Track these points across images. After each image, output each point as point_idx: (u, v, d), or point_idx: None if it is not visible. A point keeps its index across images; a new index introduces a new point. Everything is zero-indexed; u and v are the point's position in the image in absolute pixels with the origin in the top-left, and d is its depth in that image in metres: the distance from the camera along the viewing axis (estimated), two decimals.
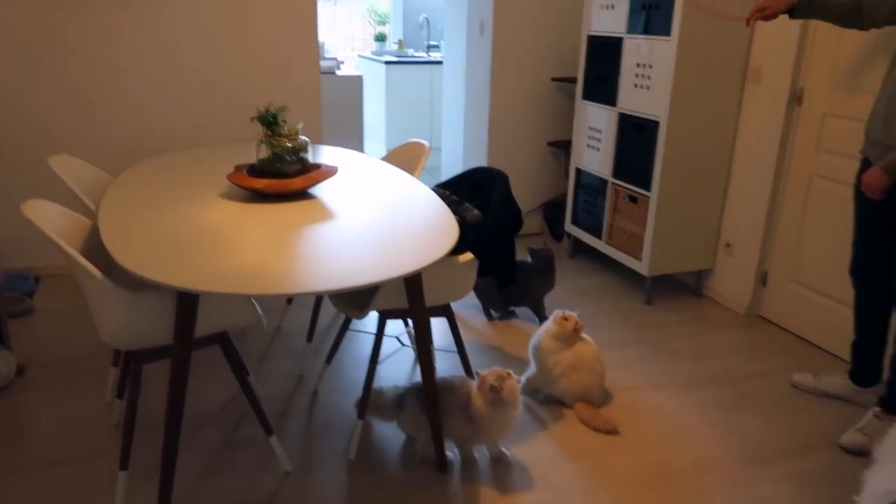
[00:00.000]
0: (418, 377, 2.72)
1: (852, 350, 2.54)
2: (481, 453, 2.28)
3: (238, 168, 2.45)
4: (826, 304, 2.99)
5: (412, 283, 2.00)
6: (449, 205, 2.33)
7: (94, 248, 2.11)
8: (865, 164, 2.32)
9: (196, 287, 1.63)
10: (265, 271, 1.71)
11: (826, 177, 2.92)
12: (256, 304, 2.10)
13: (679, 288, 3.70)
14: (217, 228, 1.99)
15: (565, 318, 2.48)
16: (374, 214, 2.16)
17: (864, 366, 2.52)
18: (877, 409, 2.36)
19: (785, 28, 3.01)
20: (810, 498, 2.12)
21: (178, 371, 1.83)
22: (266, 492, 2.08)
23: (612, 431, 2.41)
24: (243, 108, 3.73)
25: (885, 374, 2.41)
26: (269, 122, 2.38)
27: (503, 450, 2.26)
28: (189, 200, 2.24)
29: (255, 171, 2.39)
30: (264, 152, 2.39)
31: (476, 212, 2.27)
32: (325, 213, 2.16)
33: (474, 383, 2.18)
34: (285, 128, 2.41)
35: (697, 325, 3.26)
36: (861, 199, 2.35)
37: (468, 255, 2.20)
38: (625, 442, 2.37)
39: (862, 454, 2.30)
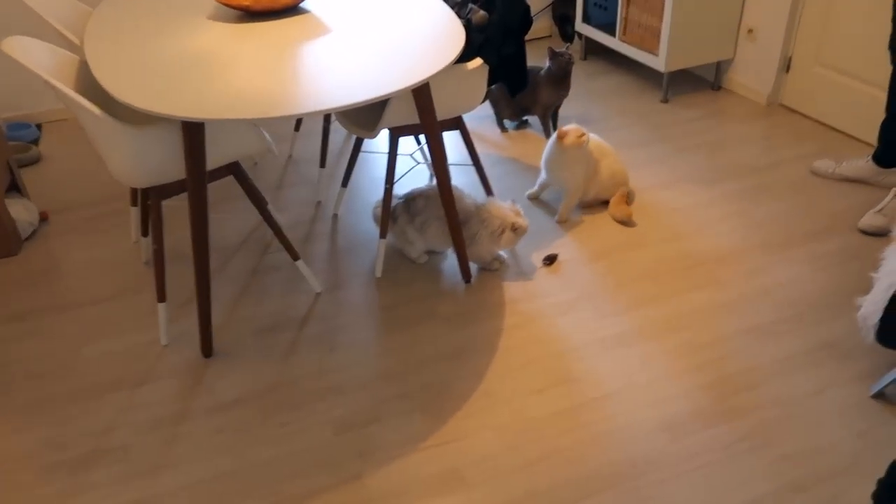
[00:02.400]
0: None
1: (881, 129, 2.46)
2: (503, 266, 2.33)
3: None
4: (853, 87, 2.86)
5: (421, 94, 1.92)
6: (451, 7, 2.17)
7: (88, 85, 2.02)
8: None
9: (200, 115, 1.57)
10: (268, 94, 1.64)
11: None
12: (265, 132, 2.04)
13: (697, 83, 3.55)
14: (211, 53, 1.88)
15: (562, 136, 2.39)
16: (372, 24, 2.02)
17: (890, 145, 2.46)
18: None
19: None
20: (829, 278, 2.17)
21: (197, 204, 1.83)
22: (300, 311, 2.17)
23: (628, 222, 2.47)
24: None
25: None
26: None
27: (501, 253, 2.33)
28: (176, 25, 2.11)
29: None
30: None
31: (482, 12, 2.11)
32: (320, 28, 2.03)
33: (482, 200, 2.21)
34: None
35: (716, 119, 3.16)
36: None
37: (477, 61, 2.09)
38: (645, 238, 2.40)
39: (881, 235, 2.32)
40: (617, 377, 1.87)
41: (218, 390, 1.90)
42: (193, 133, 1.73)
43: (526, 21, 2.17)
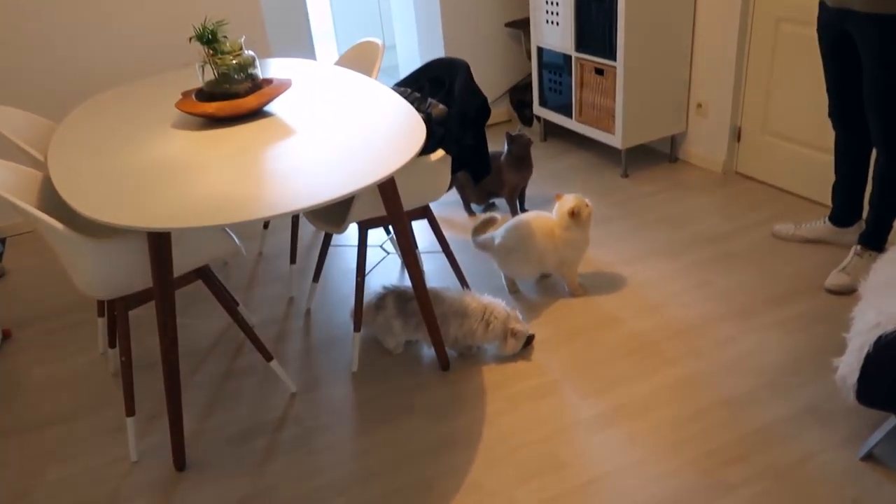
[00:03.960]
0: (406, 282, 2.72)
1: (833, 191, 2.55)
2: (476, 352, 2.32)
3: (185, 94, 2.32)
4: (801, 152, 2.98)
5: (386, 189, 1.94)
6: (411, 102, 2.23)
7: (52, 201, 2.01)
8: (822, 8, 2.24)
9: (165, 225, 1.56)
10: (234, 198, 1.64)
11: (793, 19, 2.83)
12: (232, 234, 2.04)
13: (654, 156, 3.67)
14: (175, 161, 1.90)
15: (574, 214, 2.40)
16: (336, 124, 2.07)
17: (844, 206, 2.55)
18: (858, 247, 2.41)
19: None
20: (800, 341, 2.19)
21: (165, 314, 1.80)
22: (275, 414, 2.11)
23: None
24: (180, 29, 3.50)
25: (866, 212, 2.44)
26: (209, 39, 2.22)
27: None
28: (140, 136, 2.13)
29: (204, 95, 2.26)
30: (210, 74, 2.26)
31: (441, 106, 2.18)
32: (284, 130, 2.07)
33: (480, 298, 2.26)
34: (227, 44, 2.26)
35: (676, 192, 3.26)
36: (823, 43, 2.29)
37: (439, 153, 2.14)
38: (615, 315, 2.41)
39: (847, 293, 2.37)
40: (604, 460, 1.83)
41: None
42: (159, 242, 1.72)
43: (484, 111, 2.24)
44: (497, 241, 2.49)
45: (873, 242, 2.38)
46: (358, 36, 6.08)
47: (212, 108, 2.17)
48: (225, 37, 2.25)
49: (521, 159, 2.99)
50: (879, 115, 2.16)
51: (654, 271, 2.65)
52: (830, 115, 2.41)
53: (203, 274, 2.03)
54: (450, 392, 2.13)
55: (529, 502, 1.73)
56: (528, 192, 3.30)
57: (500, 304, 2.24)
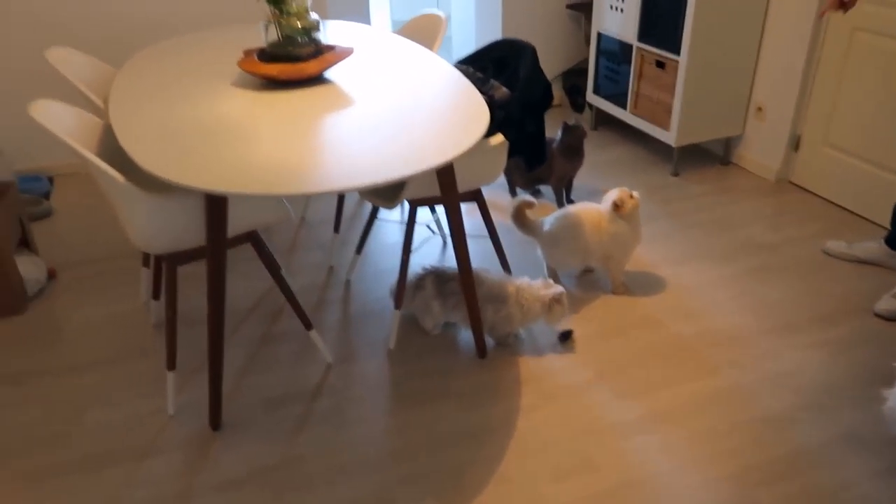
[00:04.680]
0: (448, 263, 2.71)
1: (893, 213, 2.48)
2: (519, 339, 2.31)
3: (247, 53, 2.31)
4: (862, 168, 2.89)
5: (444, 171, 1.92)
6: (474, 83, 2.20)
7: (110, 149, 2.02)
8: None
9: (225, 189, 1.56)
10: (294, 167, 1.63)
11: (870, 30, 2.73)
12: (285, 200, 2.04)
13: (706, 157, 3.59)
14: (235, 121, 1.89)
15: (618, 206, 2.37)
16: (396, 98, 2.05)
17: None
18: None
19: None
20: (844, 364, 2.15)
21: (215, 274, 1.81)
22: (310, 383, 2.13)
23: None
24: None
25: None
26: (276, 0, 2.20)
27: (521, 331, 2.30)
28: (201, 91, 2.12)
29: (267, 55, 2.24)
30: (273, 34, 2.24)
31: (504, 89, 2.14)
32: (344, 99, 2.05)
33: (510, 276, 2.20)
34: (294, 5, 2.23)
35: (726, 195, 3.19)
36: None
37: (499, 137, 2.11)
38: (658, 316, 2.39)
39: None
40: (637, 465, 1.82)
41: (224, 466, 1.84)
42: (217, 205, 1.73)
43: (547, 98, 2.20)
44: (545, 228, 2.47)
45: None
46: (412, 5, 6.00)
47: (274, 70, 2.15)
48: None
49: (573, 150, 2.94)
50: None
51: (698, 275, 2.60)
52: None
53: (253, 238, 2.03)
54: (485, 380, 2.13)
55: (558, 501, 1.73)
56: (575, 182, 3.26)
57: (529, 282, 2.21)
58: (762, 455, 1.84)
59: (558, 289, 2.17)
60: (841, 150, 2.98)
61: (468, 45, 4.50)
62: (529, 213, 2.48)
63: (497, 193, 3.24)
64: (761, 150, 3.34)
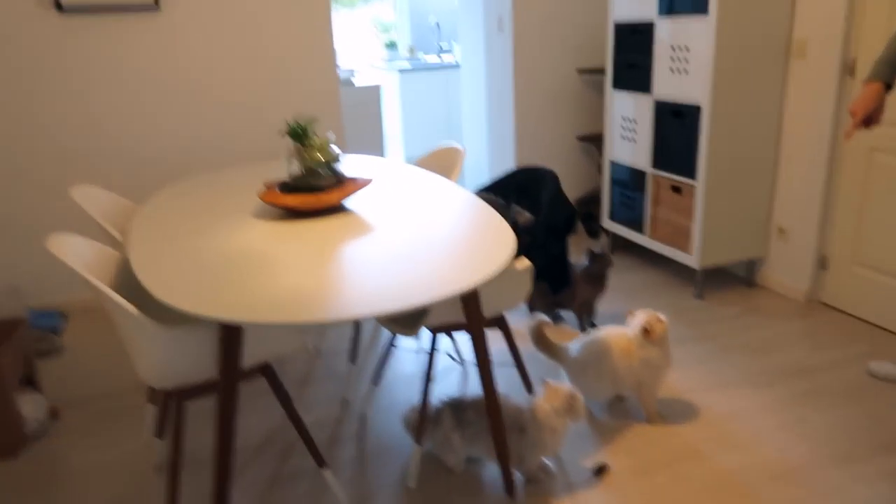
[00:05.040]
0: (469, 393, 2.56)
1: None
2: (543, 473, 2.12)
3: (269, 186, 2.32)
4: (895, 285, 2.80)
5: (469, 297, 1.85)
6: (496, 209, 2.18)
7: (124, 282, 1.98)
8: None
9: (241, 318, 1.49)
10: (312, 296, 1.57)
11: (887, 150, 2.74)
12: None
13: (729, 279, 3.52)
14: (254, 251, 1.85)
15: (648, 331, 2.27)
16: (418, 225, 2.02)
17: None
18: None
19: None
20: None
21: (226, 409, 1.70)
22: None
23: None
24: (264, 123, 3.61)
25: None
26: (300, 134, 2.24)
27: (546, 462, 2.11)
28: (221, 223, 2.11)
29: (288, 187, 2.26)
30: (296, 167, 2.26)
31: (527, 214, 2.12)
32: (364, 228, 2.02)
33: (527, 398, 2.05)
34: (316, 139, 2.27)
35: (755, 317, 3.08)
36: None
37: (525, 262, 2.05)
38: (700, 448, 2.20)
39: None
40: None
41: None
42: (232, 335, 1.65)
43: (571, 223, 2.17)
44: (572, 355, 2.35)
45: None
46: (425, 144, 6.24)
47: (296, 200, 2.15)
48: (315, 133, 2.27)
49: (598, 277, 2.88)
50: None
51: (738, 401, 2.44)
52: None
53: (266, 370, 1.93)
54: None
55: None
56: (598, 306, 3.17)
57: (539, 395, 2.05)
58: None
59: (565, 385, 2.03)
60: (871, 268, 2.90)
61: (482, 176, 4.60)
62: (552, 336, 2.38)
63: (516, 317, 3.14)
64: (787, 271, 3.26)
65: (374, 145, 4.25)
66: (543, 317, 2.32)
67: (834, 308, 3.11)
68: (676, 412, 2.41)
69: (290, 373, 2.79)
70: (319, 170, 2.24)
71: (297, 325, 1.49)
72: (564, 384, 2.04)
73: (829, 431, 2.26)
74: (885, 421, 2.29)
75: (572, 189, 4.27)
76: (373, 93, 4.43)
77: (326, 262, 1.76)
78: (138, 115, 3.39)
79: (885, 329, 2.89)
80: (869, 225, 2.87)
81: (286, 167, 2.26)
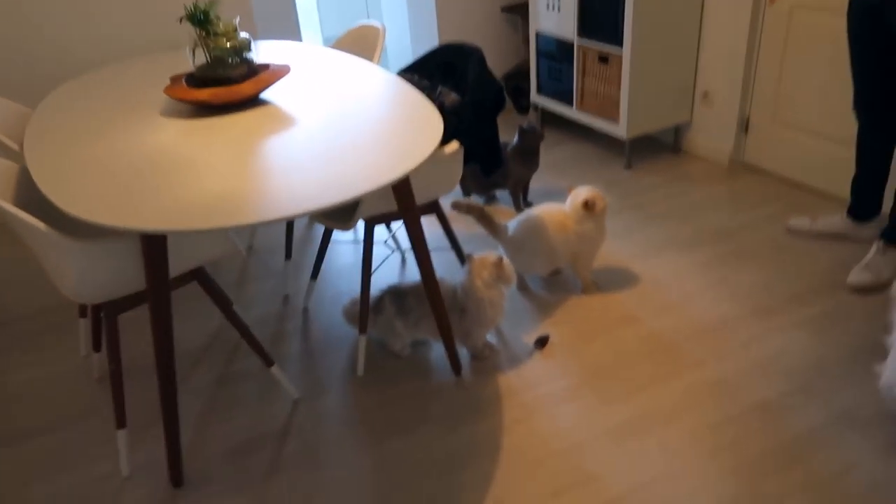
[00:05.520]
0: (408, 279, 2.58)
1: (853, 185, 2.47)
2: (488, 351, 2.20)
3: (174, 79, 2.15)
4: (815, 144, 2.90)
5: (400, 185, 1.80)
6: (421, 91, 2.09)
7: (30, 195, 1.84)
8: None
9: (163, 227, 1.41)
10: (236, 197, 1.49)
11: (808, 6, 2.74)
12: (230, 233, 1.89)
13: (657, 147, 3.57)
14: (168, 153, 1.74)
15: (590, 206, 2.28)
16: (341, 115, 1.92)
17: (864, 200, 2.47)
18: (880, 242, 2.33)
19: None
20: (827, 342, 2.11)
21: (160, 320, 1.65)
22: (277, 424, 1.97)
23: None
24: (163, 8, 3.29)
25: (888, 207, 2.36)
26: (201, 20, 2.05)
27: (490, 340, 2.18)
28: (127, 124, 1.96)
29: (195, 80, 2.10)
30: (201, 57, 2.09)
31: (454, 95, 2.05)
32: (285, 120, 1.91)
33: (461, 276, 2.07)
34: (220, 25, 2.09)
35: (681, 184, 3.16)
36: (853, 26, 2.20)
37: (454, 145, 2.00)
38: (633, 313, 2.31)
39: (871, 291, 2.29)
40: (634, 472, 1.72)
41: None
42: (155, 245, 1.57)
43: (500, 100, 2.11)
44: (509, 233, 2.37)
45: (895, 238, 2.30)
46: (343, 19, 5.89)
47: (205, 94, 2.01)
48: (218, 17, 2.09)
49: (530, 153, 2.86)
50: None
51: (667, 267, 2.55)
52: (855, 104, 2.32)
53: (198, 275, 1.87)
54: (463, 398, 2.01)
55: None
56: (531, 184, 3.18)
57: (466, 274, 2.07)
58: (761, 445, 1.77)
59: (489, 255, 2.05)
60: (792, 127, 2.98)
61: (405, 55, 4.40)
62: (491, 215, 2.38)
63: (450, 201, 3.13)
64: (711, 136, 3.33)
65: (288, 28, 3.97)
66: (475, 203, 2.30)
67: (756, 169, 3.22)
68: (610, 281, 2.49)
69: (225, 274, 2.73)
70: (228, 58, 2.07)
71: (223, 229, 1.42)
72: (489, 254, 2.05)
73: (749, 288, 2.39)
74: (801, 274, 2.44)
75: (499, 63, 4.15)
76: None
77: (248, 160, 1.67)
78: (21, 9, 3.03)
79: (803, 186, 3.02)
80: (789, 84, 2.92)
81: (190, 58, 2.08)
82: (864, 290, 2.30)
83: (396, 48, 4.53)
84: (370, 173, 1.56)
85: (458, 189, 3.18)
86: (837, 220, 2.57)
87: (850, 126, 2.46)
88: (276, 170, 1.60)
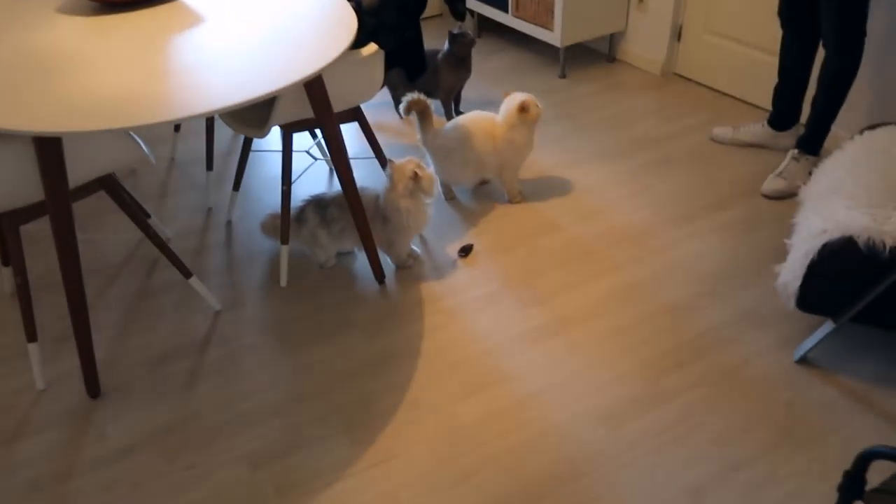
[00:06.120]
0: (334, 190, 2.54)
1: (774, 94, 2.50)
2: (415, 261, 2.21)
3: None
4: (742, 52, 2.91)
5: (314, 87, 1.74)
6: None
7: None
8: None
9: (56, 128, 1.34)
10: (136, 97, 1.42)
11: None
12: (138, 139, 1.81)
13: (593, 56, 3.53)
14: (64, 52, 1.62)
15: (525, 109, 2.26)
16: (252, 12, 1.82)
17: (784, 109, 2.51)
18: (794, 151, 2.39)
19: None
20: (739, 246, 2.19)
21: (61, 230, 1.59)
22: (198, 335, 1.96)
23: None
24: None
25: (806, 116, 2.41)
26: None
27: (414, 248, 2.19)
28: (18, 21, 1.82)
29: None
30: None
31: None
32: (191, 17, 1.81)
33: (383, 184, 2.04)
34: None
35: (614, 93, 3.15)
36: None
37: (372, 47, 1.93)
38: (557, 221, 2.34)
39: (783, 198, 2.37)
40: (546, 371, 1.79)
41: (110, 436, 1.68)
42: (50, 150, 1.49)
43: (421, 1, 2.03)
44: (437, 141, 2.34)
45: (810, 147, 2.36)
46: None
47: None
48: None
49: (461, 60, 2.79)
50: (835, 15, 2.08)
51: (594, 175, 2.57)
52: (780, 12, 2.32)
53: (106, 184, 1.80)
54: (386, 306, 2.03)
55: (472, 416, 1.68)
56: (463, 92, 3.12)
57: (386, 182, 2.04)
58: (666, 344, 1.86)
59: (408, 162, 2.02)
60: (721, 35, 2.98)
61: None
62: (431, 118, 2.31)
63: (383, 112, 3.06)
64: (645, 44, 3.30)
65: None
66: (422, 98, 2.23)
67: (687, 78, 3.22)
68: (537, 191, 2.51)
69: (145, 186, 2.64)
70: None
71: (121, 129, 1.36)
72: (408, 161, 2.02)
73: (670, 195, 2.44)
74: (720, 182, 2.50)
75: None
76: None
77: (149, 59, 1.58)
78: None
79: (731, 96, 3.05)
80: None
81: None
82: (777, 197, 2.38)
83: None
84: (278, 74, 1.50)
85: (389, 100, 3.10)
86: (758, 128, 2.62)
87: (776, 36, 2.46)
88: (179, 69, 1.52)
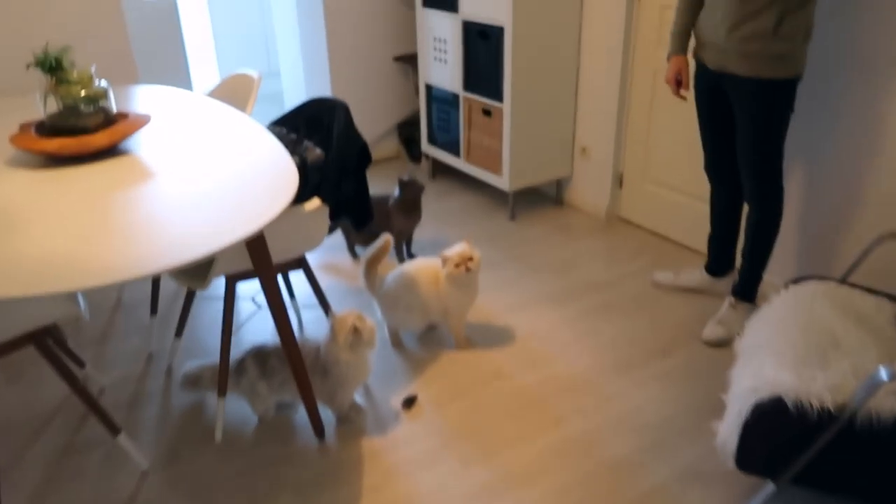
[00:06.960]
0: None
1: (708, 241, 2.61)
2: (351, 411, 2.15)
3: (24, 127, 2.04)
4: (679, 200, 3.06)
5: (254, 244, 1.76)
6: (286, 145, 2.07)
7: None
8: (700, 67, 2.30)
9: None
10: (70, 259, 1.41)
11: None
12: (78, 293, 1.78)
13: (542, 199, 3.68)
14: (8, 208, 1.63)
15: (459, 265, 2.28)
16: (201, 168, 1.87)
17: (718, 257, 2.61)
18: (731, 298, 2.46)
19: None
20: (680, 397, 2.19)
21: None
22: (122, 497, 1.85)
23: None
24: (21, 49, 3.14)
25: (739, 264, 2.51)
26: (52, 67, 1.97)
27: (357, 401, 2.15)
28: None
29: (46, 129, 2.00)
30: (54, 105, 2.00)
31: (317, 151, 2.04)
32: (140, 173, 1.84)
33: (324, 335, 2.02)
34: (75, 72, 2.01)
35: (560, 236, 3.26)
36: (700, 101, 2.35)
37: (315, 202, 1.98)
38: (503, 369, 2.33)
39: (724, 345, 2.41)
40: None
41: None
42: None
43: (364, 157, 2.12)
44: (383, 289, 2.36)
45: (745, 294, 2.44)
46: (241, 60, 5.82)
47: (53, 145, 1.91)
48: (72, 64, 2.01)
49: (411, 205, 2.88)
50: (752, 173, 2.22)
51: (541, 321, 2.60)
52: (706, 168, 2.47)
53: (36, 339, 1.75)
54: (325, 464, 1.96)
55: None
56: (416, 234, 3.20)
57: (327, 334, 2.02)
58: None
59: (349, 315, 1.99)
60: (658, 184, 3.14)
61: (300, 101, 4.38)
62: (378, 270, 2.35)
63: (336, 254, 3.10)
64: (590, 190, 3.46)
65: (176, 72, 3.87)
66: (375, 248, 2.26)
67: (630, 223, 3.36)
68: (484, 336, 2.52)
69: (89, 328, 2.58)
70: (82, 107, 1.99)
71: (48, 295, 1.34)
72: (349, 314, 2.00)
73: (613, 341, 2.47)
74: (662, 327, 2.55)
75: (392, 112, 4.19)
76: (166, 9, 3.99)
77: (94, 217, 1.59)
78: None
79: (671, 240, 3.17)
80: (655, 143, 3.08)
81: (41, 106, 1.99)
82: (717, 344, 2.42)
83: (293, 94, 4.51)
84: (219, 232, 1.52)
85: (343, 242, 3.15)
86: (697, 274, 2.71)
87: (708, 185, 2.61)
88: (124, 226, 1.53)
